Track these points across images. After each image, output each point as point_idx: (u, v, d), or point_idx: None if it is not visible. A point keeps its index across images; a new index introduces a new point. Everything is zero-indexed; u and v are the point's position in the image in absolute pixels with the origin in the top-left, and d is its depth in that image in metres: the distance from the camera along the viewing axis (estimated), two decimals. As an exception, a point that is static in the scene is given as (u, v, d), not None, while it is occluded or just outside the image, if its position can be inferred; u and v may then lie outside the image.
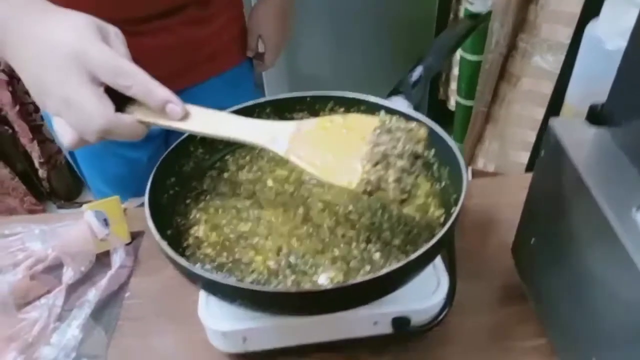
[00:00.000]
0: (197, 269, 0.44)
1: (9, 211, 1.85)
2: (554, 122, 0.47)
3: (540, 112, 1.28)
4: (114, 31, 0.48)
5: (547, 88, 1.26)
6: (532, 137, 1.33)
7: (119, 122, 0.46)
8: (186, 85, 0.80)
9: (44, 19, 0.46)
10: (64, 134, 0.46)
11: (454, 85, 1.79)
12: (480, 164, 1.51)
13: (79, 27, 0.45)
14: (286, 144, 0.49)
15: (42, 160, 1.78)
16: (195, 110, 0.49)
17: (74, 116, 0.45)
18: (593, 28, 0.75)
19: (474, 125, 1.47)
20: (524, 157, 1.37)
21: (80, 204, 2.01)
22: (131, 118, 0.47)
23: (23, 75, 0.47)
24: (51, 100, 0.46)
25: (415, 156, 0.45)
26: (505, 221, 0.67)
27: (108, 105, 0.45)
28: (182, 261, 0.44)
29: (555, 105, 1.16)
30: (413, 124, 0.47)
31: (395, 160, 0.45)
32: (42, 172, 1.81)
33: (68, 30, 0.44)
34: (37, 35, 0.45)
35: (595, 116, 0.46)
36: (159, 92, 0.46)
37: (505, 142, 1.41)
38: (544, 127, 1.25)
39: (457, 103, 1.67)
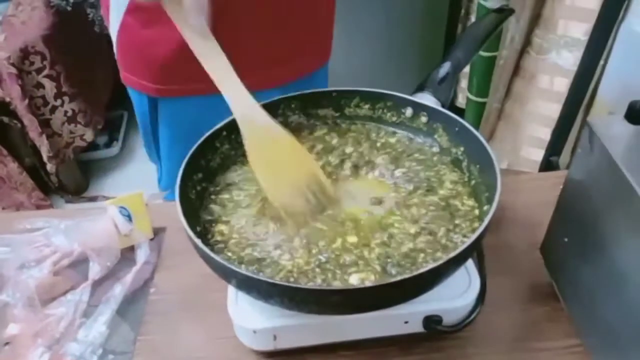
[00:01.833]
0: (234, 266, 0.43)
1: (17, 206, 1.84)
2: (592, 120, 0.47)
3: (555, 109, 1.27)
4: None
5: (563, 85, 1.25)
6: (546, 134, 1.32)
7: None
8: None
9: None
10: None
11: (463, 83, 1.78)
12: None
13: None
14: (248, 131, 0.52)
15: (50, 154, 1.77)
16: (209, 41, 0.49)
17: None
18: (630, 24, 0.74)
19: (487, 121, 1.47)
20: (538, 155, 1.37)
21: (88, 199, 2.01)
22: None
23: None
24: None
25: None
26: (530, 218, 0.67)
27: None
28: (218, 259, 0.43)
29: (572, 102, 1.15)
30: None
31: None
32: (50, 167, 1.80)
33: None
34: None
35: (635, 113, 0.46)
36: None
37: (519, 139, 1.40)
38: (560, 125, 1.26)
39: (469, 100, 1.66)
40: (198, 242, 0.45)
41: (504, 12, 0.66)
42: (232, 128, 0.58)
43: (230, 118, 0.57)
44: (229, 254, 0.51)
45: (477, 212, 0.53)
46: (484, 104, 1.56)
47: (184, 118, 0.78)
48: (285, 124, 0.63)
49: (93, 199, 2.01)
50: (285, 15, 0.74)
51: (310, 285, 0.45)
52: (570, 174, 0.51)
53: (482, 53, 1.47)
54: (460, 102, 1.79)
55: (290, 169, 0.54)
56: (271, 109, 0.62)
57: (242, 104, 0.51)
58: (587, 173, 0.48)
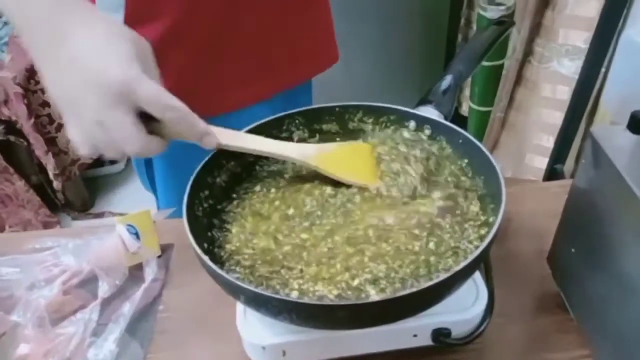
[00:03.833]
0: (241, 283, 0.43)
1: (24, 224, 1.85)
2: (595, 130, 0.47)
3: (558, 117, 1.27)
4: (147, 48, 0.48)
5: (565, 93, 1.26)
6: (550, 142, 1.32)
7: (150, 146, 0.48)
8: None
9: (82, 30, 0.46)
10: (81, 147, 0.47)
11: (467, 92, 1.79)
12: (497, 170, 1.51)
13: (123, 57, 0.45)
14: (313, 158, 0.58)
15: (57, 172, 1.78)
16: (228, 132, 0.54)
17: (107, 138, 0.46)
18: (629, 34, 0.74)
19: (491, 131, 1.47)
20: (542, 163, 1.37)
21: (95, 216, 2.02)
22: (159, 141, 0.49)
23: (53, 88, 0.47)
24: (82, 121, 0.46)
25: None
26: (537, 228, 0.67)
27: (142, 130, 0.46)
28: (225, 275, 0.43)
29: (575, 110, 1.16)
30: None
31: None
32: (57, 184, 1.82)
33: (113, 63, 0.44)
34: (77, 57, 0.45)
35: (638, 124, 0.46)
36: (200, 126, 0.49)
37: (523, 148, 1.41)
38: (563, 133, 1.26)
39: (471, 109, 1.66)
40: (206, 259, 0.45)
41: (505, 25, 0.67)
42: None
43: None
44: (239, 271, 0.51)
45: (483, 218, 0.53)
46: (487, 113, 1.56)
47: (178, 145, 0.78)
48: (290, 140, 0.64)
49: (99, 215, 2.02)
50: (278, 23, 0.75)
51: (318, 301, 0.45)
52: (574, 185, 0.51)
53: (483, 63, 1.48)
54: (465, 110, 1.80)
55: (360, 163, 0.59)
56: (276, 125, 0.63)
57: (293, 150, 0.57)
58: (592, 184, 0.48)
